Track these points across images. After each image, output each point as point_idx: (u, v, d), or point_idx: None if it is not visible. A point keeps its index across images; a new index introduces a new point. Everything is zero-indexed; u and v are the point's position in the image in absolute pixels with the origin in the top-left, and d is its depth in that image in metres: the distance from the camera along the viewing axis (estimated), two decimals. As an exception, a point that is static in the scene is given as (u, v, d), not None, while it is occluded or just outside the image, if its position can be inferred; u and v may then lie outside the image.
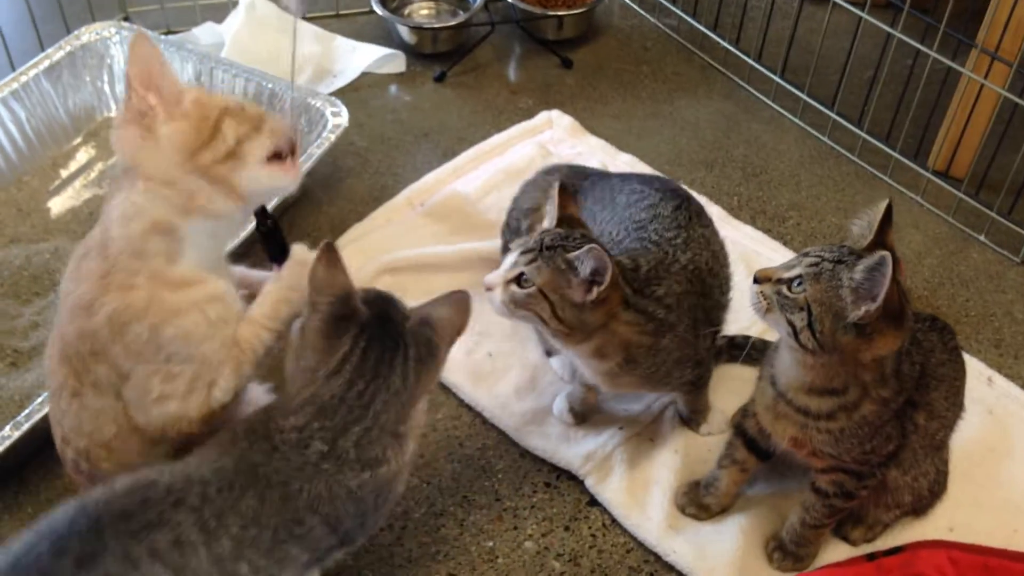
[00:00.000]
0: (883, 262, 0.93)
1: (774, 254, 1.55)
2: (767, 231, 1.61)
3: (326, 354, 0.92)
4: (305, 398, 0.92)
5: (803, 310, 0.98)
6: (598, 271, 1.06)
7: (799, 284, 0.98)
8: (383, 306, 0.96)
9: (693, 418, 1.32)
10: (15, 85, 1.59)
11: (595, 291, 1.07)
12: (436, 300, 0.98)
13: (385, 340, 0.93)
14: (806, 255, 1.00)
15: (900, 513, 1.19)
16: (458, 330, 0.98)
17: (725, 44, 1.94)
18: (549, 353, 1.39)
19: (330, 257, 0.94)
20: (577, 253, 1.06)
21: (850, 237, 1.13)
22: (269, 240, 1.12)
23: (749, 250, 1.56)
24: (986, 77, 1.57)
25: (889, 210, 1.03)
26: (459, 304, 0.98)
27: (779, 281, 1.00)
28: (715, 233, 1.28)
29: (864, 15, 1.67)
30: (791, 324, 0.99)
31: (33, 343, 1.35)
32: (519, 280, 1.09)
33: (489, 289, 1.11)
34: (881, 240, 1.02)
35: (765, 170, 1.75)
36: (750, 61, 1.90)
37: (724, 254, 1.29)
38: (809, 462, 1.09)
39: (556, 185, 1.15)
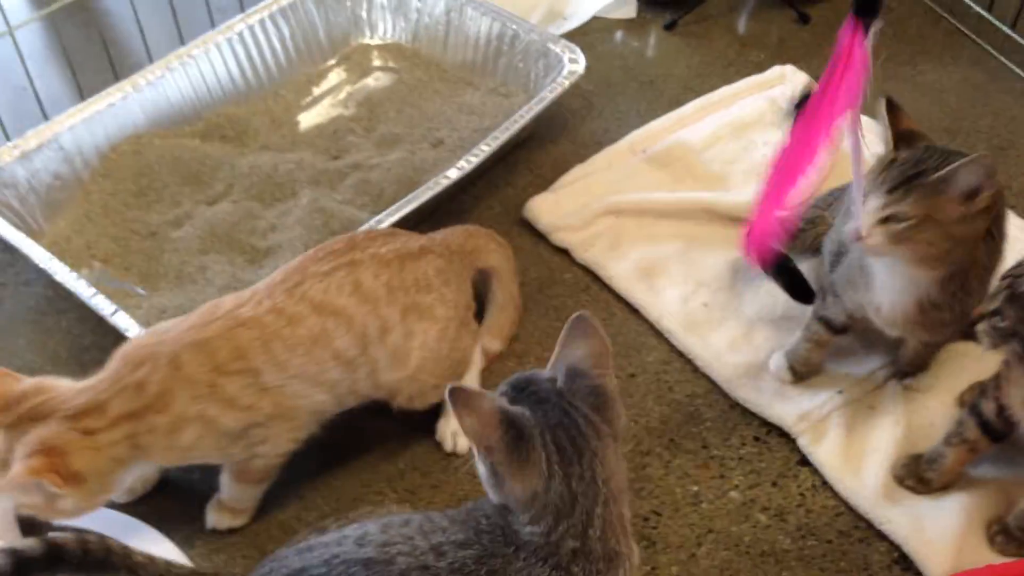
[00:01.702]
0: None
1: (1020, 232, 1.46)
2: (1011, 207, 1.52)
3: (531, 476, 0.86)
4: (538, 511, 0.87)
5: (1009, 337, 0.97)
6: (977, 183, 1.02)
7: (1001, 318, 0.98)
8: (530, 393, 0.90)
9: (909, 371, 1.29)
10: (282, 4, 1.68)
11: (980, 199, 1.03)
12: (565, 341, 0.91)
13: (561, 420, 0.88)
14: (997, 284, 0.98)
15: None
16: (605, 355, 0.91)
17: (978, 8, 1.83)
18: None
19: (463, 401, 0.85)
20: (947, 171, 1.01)
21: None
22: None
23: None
24: None
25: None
26: (587, 332, 0.91)
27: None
28: None
29: None
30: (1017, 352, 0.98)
31: (270, 243, 1.44)
32: (890, 220, 1.04)
33: (857, 237, 1.06)
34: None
35: (1013, 144, 1.64)
36: (1005, 28, 1.78)
37: None
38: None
39: (883, 102, 1.12)
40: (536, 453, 0.86)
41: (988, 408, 1.10)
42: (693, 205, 1.52)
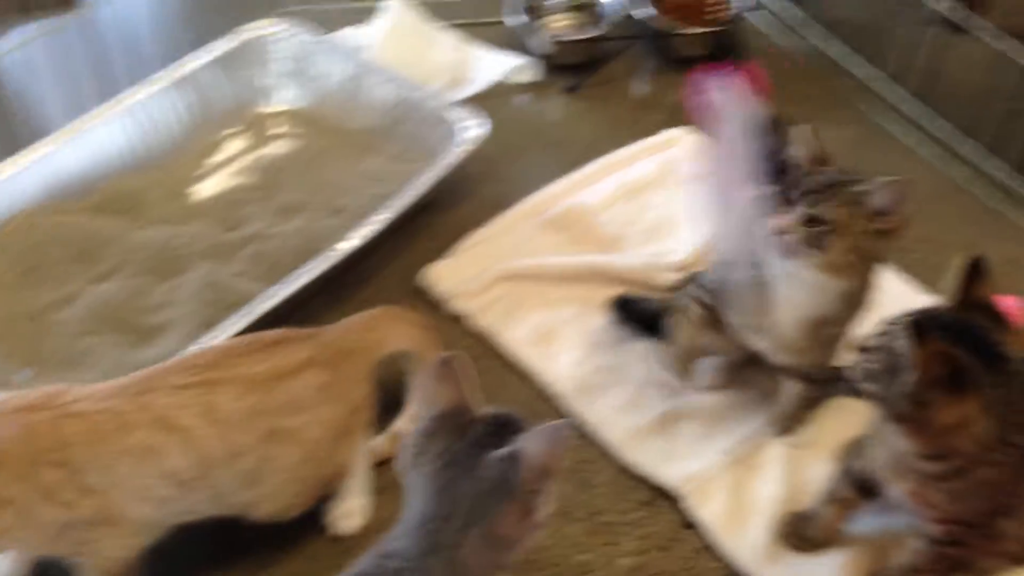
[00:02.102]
0: (901, 335, 0.93)
1: (895, 287, 1.52)
2: (892, 263, 1.57)
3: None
4: None
5: (875, 380, 0.99)
6: (891, 204, 1.11)
7: (874, 353, 0.99)
8: (490, 429, 0.92)
9: (790, 426, 1.32)
10: (179, 74, 1.69)
11: (890, 218, 1.12)
12: (535, 432, 0.90)
13: (464, 465, 0.90)
14: (888, 324, 1.00)
15: (1007, 562, 1.14)
16: (545, 470, 0.89)
17: (862, 68, 1.91)
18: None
19: (442, 371, 0.92)
20: (868, 186, 1.11)
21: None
22: None
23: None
24: None
25: (976, 264, 1.01)
26: (552, 440, 0.90)
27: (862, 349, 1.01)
28: None
29: (1005, 49, 1.61)
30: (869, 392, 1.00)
31: (160, 320, 1.43)
32: (810, 221, 1.11)
33: (777, 229, 1.13)
34: (968, 298, 1.00)
35: (896, 201, 1.70)
36: (888, 87, 1.86)
37: None
38: (924, 512, 1.07)
39: (808, 129, 1.16)
40: (428, 459, 0.93)
41: (860, 465, 1.13)
42: (588, 269, 1.55)
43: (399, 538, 0.93)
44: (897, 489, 1.06)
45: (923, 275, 1.57)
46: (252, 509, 1.13)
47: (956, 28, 1.73)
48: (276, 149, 1.75)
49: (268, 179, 1.69)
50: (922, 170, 1.76)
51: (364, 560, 0.94)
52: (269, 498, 1.12)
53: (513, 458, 0.89)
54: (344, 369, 1.16)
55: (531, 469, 0.89)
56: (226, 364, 1.09)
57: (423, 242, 1.62)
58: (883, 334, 1.01)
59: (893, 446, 1.04)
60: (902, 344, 0.95)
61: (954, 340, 0.95)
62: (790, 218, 1.13)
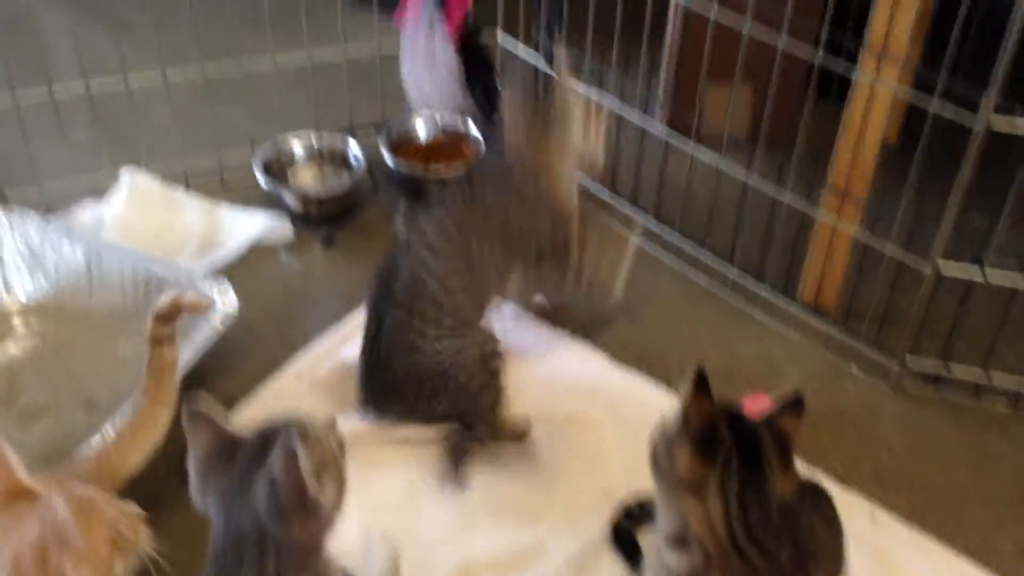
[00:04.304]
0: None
1: (662, 399, 1.59)
2: (651, 373, 1.66)
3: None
4: None
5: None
6: None
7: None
8: (256, 450, 0.98)
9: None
10: None
11: None
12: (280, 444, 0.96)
13: (240, 493, 0.96)
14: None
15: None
16: (304, 478, 0.94)
17: (601, 191, 2.03)
18: None
19: (191, 418, 0.99)
20: None
21: None
22: None
23: (635, 395, 1.61)
24: (839, 216, 1.67)
25: (798, 401, 1.03)
26: (288, 448, 0.94)
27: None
28: None
29: (719, 162, 1.76)
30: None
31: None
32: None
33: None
34: (778, 421, 1.03)
35: (645, 312, 1.81)
36: (624, 207, 1.99)
37: None
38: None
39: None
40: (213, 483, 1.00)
41: None
42: (359, 431, 1.53)
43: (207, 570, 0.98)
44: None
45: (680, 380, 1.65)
46: None
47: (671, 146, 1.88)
48: (18, 346, 1.65)
49: (9, 381, 1.58)
50: (668, 277, 1.89)
51: None
52: None
53: (271, 479, 0.93)
54: None
55: (289, 483, 0.92)
56: None
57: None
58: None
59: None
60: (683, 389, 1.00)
61: (736, 433, 1.00)
62: None
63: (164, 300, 1.28)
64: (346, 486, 1.00)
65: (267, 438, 0.98)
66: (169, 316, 1.29)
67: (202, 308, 1.41)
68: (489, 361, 1.47)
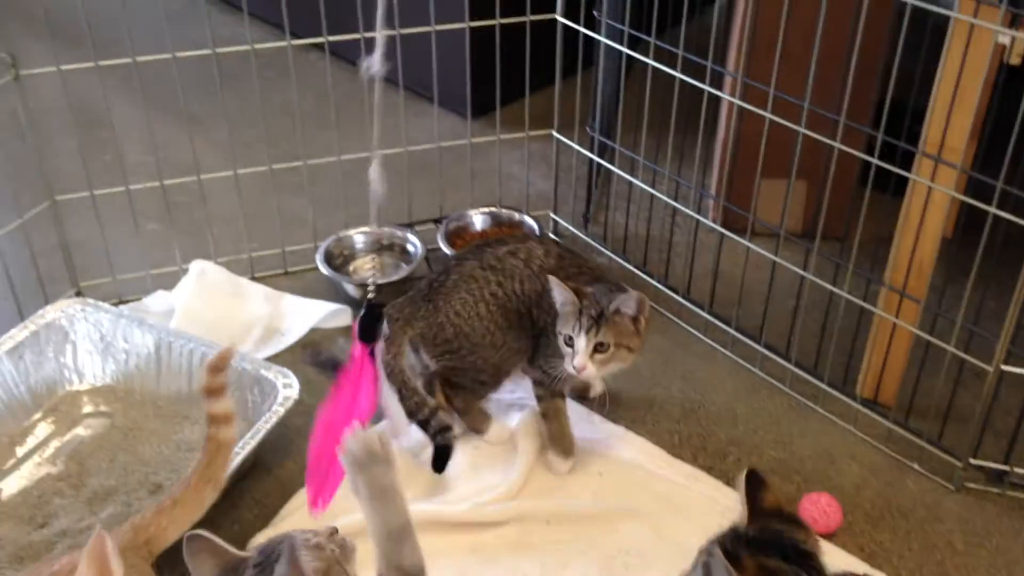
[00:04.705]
0: (717, 563, 0.97)
1: (719, 495, 1.59)
2: (708, 469, 1.65)
3: None
4: None
5: None
6: (640, 306, 1.48)
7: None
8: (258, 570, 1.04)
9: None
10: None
11: (642, 320, 1.51)
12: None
13: None
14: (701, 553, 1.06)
15: None
16: None
17: (654, 282, 2.05)
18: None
19: (192, 547, 1.06)
20: (619, 301, 1.47)
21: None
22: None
23: (692, 490, 1.60)
24: (897, 314, 1.66)
25: (751, 477, 1.07)
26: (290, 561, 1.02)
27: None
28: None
29: (776, 257, 1.78)
30: None
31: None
32: (598, 348, 1.48)
33: (582, 369, 1.49)
34: (758, 510, 1.05)
35: (703, 405, 1.81)
36: (678, 297, 2.01)
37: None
38: None
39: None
40: None
41: None
42: (422, 517, 1.53)
43: None
44: None
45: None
46: None
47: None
48: (88, 429, 1.69)
49: (79, 465, 1.62)
50: (726, 371, 1.89)
51: None
52: None
53: None
54: None
55: None
56: None
57: (249, 509, 1.58)
58: (701, 565, 1.05)
59: None
60: (720, 572, 0.98)
61: (765, 551, 1.00)
62: (583, 355, 1.48)
63: (211, 358, 1.35)
64: None
65: (270, 552, 1.05)
66: (219, 367, 1.34)
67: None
68: (500, 375, 1.66)
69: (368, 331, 1.52)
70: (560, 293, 1.51)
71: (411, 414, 1.59)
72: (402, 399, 1.59)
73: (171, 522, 1.31)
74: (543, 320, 1.59)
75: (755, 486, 1.08)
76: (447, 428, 1.60)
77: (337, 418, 1.46)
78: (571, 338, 1.50)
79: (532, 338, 1.63)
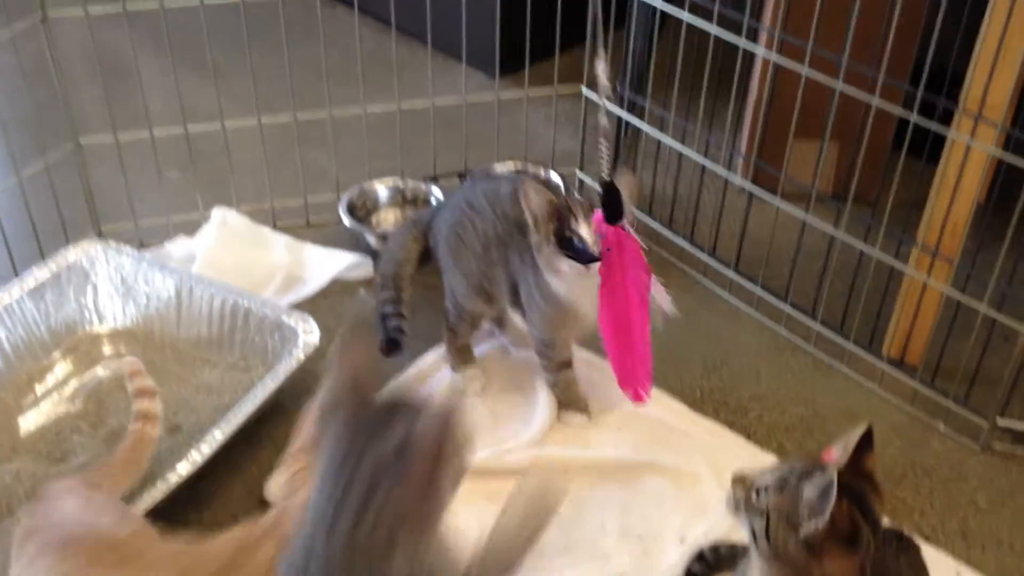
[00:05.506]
0: (829, 484, 0.95)
1: (740, 449, 1.57)
2: (730, 424, 1.63)
3: None
4: None
5: (763, 517, 1.00)
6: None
7: (765, 493, 1.01)
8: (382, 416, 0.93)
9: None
10: (-1, 307, 1.62)
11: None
12: (424, 418, 0.89)
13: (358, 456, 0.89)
14: (782, 466, 1.03)
15: None
16: (435, 457, 0.87)
17: (680, 240, 2.03)
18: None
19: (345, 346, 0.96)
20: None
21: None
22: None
23: (712, 444, 1.58)
24: (929, 274, 1.63)
25: (868, 435, 1.03)
26: (437, 427, 0.88)
27: (751, 486, 1.03)
28: None
29: (807, 216, 1.75)
30: (752, 528, 1.02)
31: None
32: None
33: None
34: (857, 464, 1.02)
35: (726, 363, 1.78)
36: (704, 256, 1.98)
37: None
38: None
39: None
40: None
41: None
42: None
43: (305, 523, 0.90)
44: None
45: (760, 432, 1.63)
46: None
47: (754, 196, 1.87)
48: (107, 370, 1.69)
49: (98, 404, 1.62)
50: (750, 330, 1.87)
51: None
52: None
53: (401, 449, 0.87)
54: None
55: (428, 443, 0.87)
56: None
57: (268, 452, 1.58)
58: (781, 481, 1.02)
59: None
60: (812, 494, 0.97)
61: (851, 502, 0.98)
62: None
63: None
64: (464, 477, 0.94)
65: (394, 410, 0.92)
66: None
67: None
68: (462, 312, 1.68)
69: (614, 210, 1.42)
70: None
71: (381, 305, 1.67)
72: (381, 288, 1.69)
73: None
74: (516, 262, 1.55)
75: (864, 444, 1.04)
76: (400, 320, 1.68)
77: (620, 307, 1.45)
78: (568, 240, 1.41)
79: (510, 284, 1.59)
